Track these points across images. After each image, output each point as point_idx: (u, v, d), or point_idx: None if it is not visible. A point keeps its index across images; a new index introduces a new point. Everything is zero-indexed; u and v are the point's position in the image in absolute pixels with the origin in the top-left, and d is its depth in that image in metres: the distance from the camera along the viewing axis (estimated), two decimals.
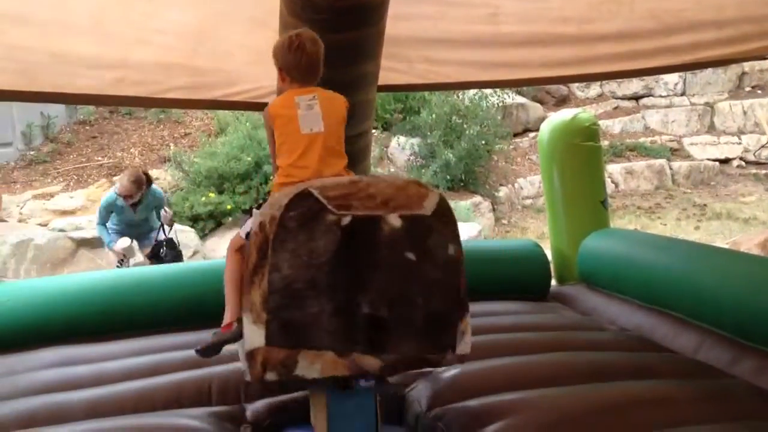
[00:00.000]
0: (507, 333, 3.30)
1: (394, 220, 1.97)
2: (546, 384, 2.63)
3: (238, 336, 2.13)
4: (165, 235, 5.25)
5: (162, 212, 5.25)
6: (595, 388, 2.59)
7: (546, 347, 3.06)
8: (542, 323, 3.52)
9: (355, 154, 3.65)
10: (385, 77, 3.74)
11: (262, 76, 3.77)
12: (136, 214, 5.19)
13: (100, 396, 2.64)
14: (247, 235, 2.16)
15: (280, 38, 2.34)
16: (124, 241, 5.06)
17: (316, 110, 2.23)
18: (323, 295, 1.93)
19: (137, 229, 5.23)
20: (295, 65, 2.32)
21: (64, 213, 7.11)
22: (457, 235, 2.09)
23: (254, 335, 1.96)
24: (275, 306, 1.92)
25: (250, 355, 1.97)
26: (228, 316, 2.18)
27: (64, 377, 2.87)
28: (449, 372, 2.72)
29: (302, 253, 1.92)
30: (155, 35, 3.61)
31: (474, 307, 3.72)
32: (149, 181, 5.19)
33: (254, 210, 2.21)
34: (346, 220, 1.94)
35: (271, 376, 1.94)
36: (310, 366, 1.93)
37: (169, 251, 5.15)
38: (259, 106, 4.08)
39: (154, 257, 5.13)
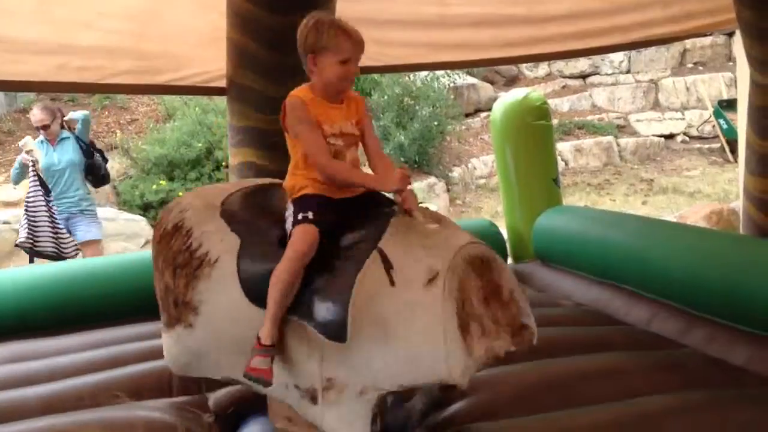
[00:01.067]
0: None
1: None
2: (504, 360, 2.65)
3: None
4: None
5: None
6: (551, 363, 2.64)
7: None
8: None
9: None
10: None
11: (210, 60, 3.71)
12: (55, 152, 5.09)
13: (56, 391, 2.58)
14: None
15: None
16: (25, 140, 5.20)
17: None
18: None
19: (60, 181, 5.10)
20: None
21: (7, 205, 6.87)
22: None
23: None
24: None
25: None
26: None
27: (17, 373, 2.79)
28: None
29: None
30: (100, 19, 3.52)
31: None
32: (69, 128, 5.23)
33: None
34: None
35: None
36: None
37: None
38: (208, 91, 4.01)
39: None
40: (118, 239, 6.47)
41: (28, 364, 2.91)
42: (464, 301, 1.82)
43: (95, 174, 5.27)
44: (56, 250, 4.92)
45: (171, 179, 7.50)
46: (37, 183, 4.99)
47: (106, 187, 7.61)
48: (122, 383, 2.60)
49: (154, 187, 7.32)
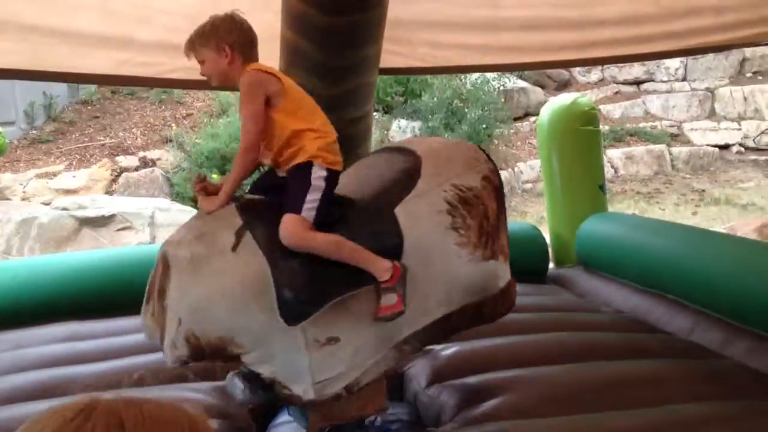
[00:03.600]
0: None
1: None
2: (542, 363, 2.69)
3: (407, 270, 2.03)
4: None
5: None
6: (590, 366, 2.65)
7: (542, 328, 3.12)
8: (540, 304, 3.58)
9: (356, 136, 3.67)
10: (386, 60, 3.76)
11: (263, 59, 3.79)
12: None
13: (106, 369, 2.71)
14: (316, 214, 1.98)
15: (219, 16, 2.10)
16: None
17: None
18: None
19: None
20: (249, 43, 2.10)
21: (68, 192, 7.15)
22: None
23: (506, 272, 2.29)
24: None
25: (507, 288, 2.29)
26: (383, 269, 1.98)
27: (72, 352, 2.93)
28: (448, 350, 2.78)
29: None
30: (159, 15, 3.63)
31: None
32: None
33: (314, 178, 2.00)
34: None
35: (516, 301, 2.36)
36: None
37: None
38: None
39: None
40: (170, 229, 6.65)
41: (82, 343, 3.06)
42: (152, 281, 2.10)
43: None
44: None
45: (222, 173, 7.67)
46: None
47: (160, 179, 7.86)
48: (168, 367, 2.70)
49: None
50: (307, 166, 2.00)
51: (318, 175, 2.00)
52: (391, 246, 2.02)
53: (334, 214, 2.03)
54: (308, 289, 1.96)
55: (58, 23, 3.32)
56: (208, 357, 2.04)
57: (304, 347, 1.97)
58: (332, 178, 2.03)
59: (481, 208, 2.16)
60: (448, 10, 3.89)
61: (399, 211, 2.07)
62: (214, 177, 7.54)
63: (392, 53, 3.90)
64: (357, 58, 3.43)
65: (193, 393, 2.47)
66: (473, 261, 2.12)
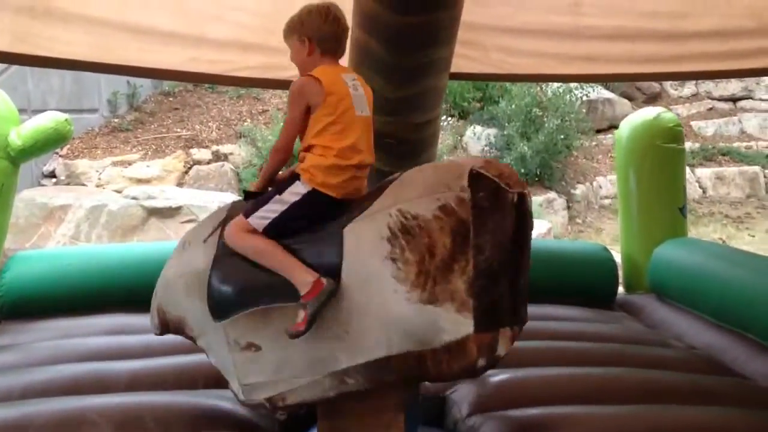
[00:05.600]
0: (564, 341, 3.15)
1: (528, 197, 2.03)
2: (598, 400, 2.49)
3: (334, 291, 1.95)
4: None
5: None
6: (651, 409, 2.43)
7: (603, 360, 2.91)
8: (603, 333, 3.35)
9: (423, 141, 3.57)
10: (457, 65, 3.62)
11: None
12: None
13: (143, 368, 2.67)
14: (270, 223, 2.02)
15: (307, 7, 2.16)
16: None
17: (360, 92, 2.12)
18: (506, 273, 1.93)
19: None
20: (333, 36, 2.14)
21: (140, 181, 7.31)
22: None
23: (459, 325, 1.87)
24: (480, 290, 1.87)
25: (458, 345, 1.88)
26: (303, 282, 1.94)
27: (114, 346, 2.93)
28: (495, 377, 2.61)
29: (498, 233, 1.91)
30: (231, 12, 3.62)
31: (532, 309, 3.62)
32: None
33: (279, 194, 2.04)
34: (515, 198, 1.94)
35: (481, 362, 1.90)
36: (501, 345, 1.93)
37: None
38: None
39: None
40: None
41: (125, 338, 3.04)
42: None
43: None
44: None
45: None
46: None
47: (229, 173, 7.93)
48: (204, 368, 2.63)
49: None
50: (293, 178, 2.06)
51: (295, 190, 2.03)
52: (328, 265, 1.95)
53: (292, 229, 2.03)
54: (235, 289, 2.04)
55: (130, 18, 3.35)
56: (174, 332, 2.27)
57: (227, 346, 2.07)
58: (313, 198, 2.02)
59: (425, 241, 1.88)
60: (524, 15, 3.71)
61: (347, 231, 1.97)
62: (281, 174, 7.56)
63: (464, 57, 3.76)
64: (427, 60, 3.31)
65: (224, 402, 2.39)
66: (411, 301, 1.88)
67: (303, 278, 1.93)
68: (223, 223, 2.13)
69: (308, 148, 2.06)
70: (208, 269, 2.08)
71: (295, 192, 2.02)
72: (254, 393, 2.07)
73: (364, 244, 1.93)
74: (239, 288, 2.03)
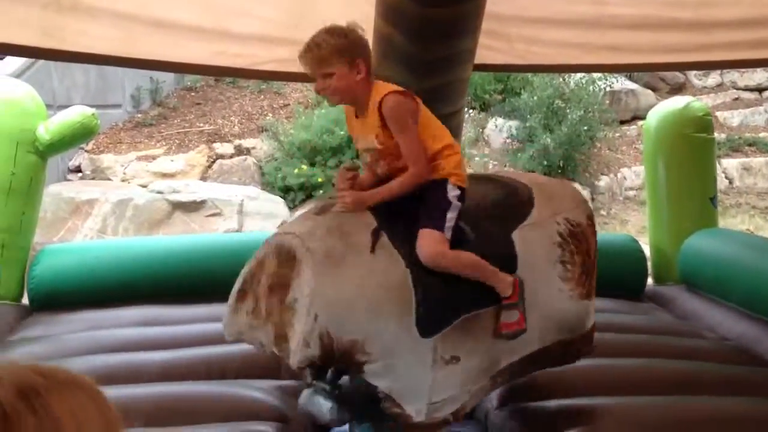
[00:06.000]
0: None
1: None
2: (630, 391, 2.46)
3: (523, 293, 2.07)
4: None
5: None
6: (683, 401, 2.40)
7: (634, 351, 2.87)
8: (633, 325, 3.31)
9: None
10: (482, 56, 3.58)
11: None
12: None
13: (175, 358, 2.69)
14: (453, 229, 2.01)
15: (348, 28, 2.06)
16: None
17: None
18: None
19: None
20: (370, 59, 2.10)
21: (164, 176, 7.37)
22: None
23: (593, 313, 2.28)
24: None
25: (591, 330, 2.27)
26: (507, 284, 2.01)
27: (144, 337, 2.94)
28: None
29: None
30: (256, 6, 3.61)
31: None
32: None
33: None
34: None
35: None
36: None
37: None
38: None
39: None
40: (257, 218, 6.74)
41: (155, 329, 3.06)
42: (254, 276, 1.98)
43: None
44: None
45: (312, 164, 7.67)
46: None
47: (252, 167, 7.96)
48: (234, 359, 2.66)
49: (296, 171, 7.54)
50: (442, 183, 2.01)
51: (453, 194, 2.02)
52: (508, 265, 2.05)
53: (465, 232, 2.05)
54: (447, 302, 1.97)
55: (156, 12, 3.36)
56: (336, 361, 1.94)
57: (431, 363, 1.95)
58: (463, 196, 2.04)
59: (585, 245, 2.20)
60: (548, 5, 3.66)
61: (515, 235, 2.10)
62: (303, 168, 7.56)
63: (488, 49, 3.72)
64: (451, 51, 3.28)
65: (255, 392, 2.40)
66: (573, 298, 2.14)
67: (505, 280, 2.01)
68: (386, 231, 1.97)
69: (437, 154, 2.02)
70: (407, 284, 1.92)
71: (455, 195, 2.01)
72: (442, 410, 1.99)
73: (536, 248, 2.12)
74: (450, 300, 1.97)
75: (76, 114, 3.67)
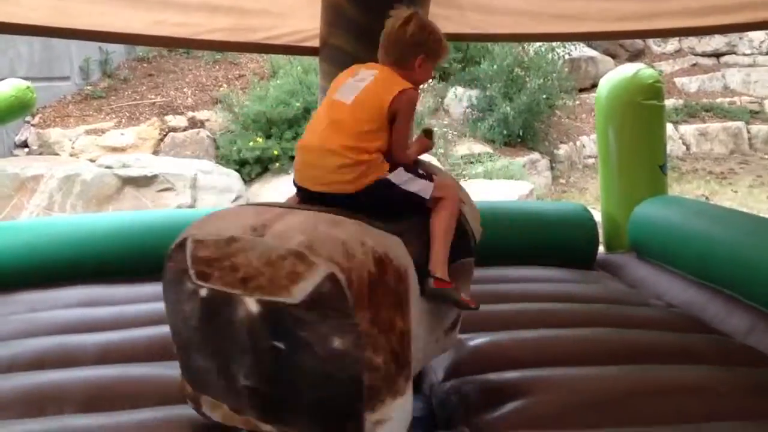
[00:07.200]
0: (542, 302, 3.11)
1: (251, 305, 1.64)
2: (576, 362, 2.46)
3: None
4: None
5: None
6: (629, 370, 2.41)
7: (582, 321, 2.87)
8: (582, 294, 3.32)
9: None
10: None
11: (306, 19, 3.61)
12: None
13: (114, 340, 2.61)
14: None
15: (417, 22, 2.07)
16: None
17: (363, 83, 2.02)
18: (202, 353, 1.78)
19: None
20: None
21: (114, 150, 7.16)
22: (351, 326, 1.60)
23: None
24: (177, 347, 1.89)
25: None
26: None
27: (83, 318, 2.85)
28: (472, 341, 2.57)
29: (177, 309, 1.82)
30: None
31: (510, 272, 3.61)
32: None
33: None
34: (203, 292, 1.72)
35: (190, 404, 1.92)
36: (212, 411, 1.83)
37: None
38: (301, 50, 3.92)
39: None
40: (211, 192, 6.61)
41: (96, 309, 2.97)
42: None
43: None
44: None
45: (268, 137, 7.52)
46: None
47: (206, 140, 7.80)
48: None
49: (251, 144, 7.39)
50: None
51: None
52: None
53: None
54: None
55: None
56: None
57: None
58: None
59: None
60: None
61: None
62: (258, 141, 7.42)
63: (440, 17, 3.63)
64: None
65: None
66: None
67: None
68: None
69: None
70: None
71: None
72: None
73: None
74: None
75: (9, 87, 3.51)
